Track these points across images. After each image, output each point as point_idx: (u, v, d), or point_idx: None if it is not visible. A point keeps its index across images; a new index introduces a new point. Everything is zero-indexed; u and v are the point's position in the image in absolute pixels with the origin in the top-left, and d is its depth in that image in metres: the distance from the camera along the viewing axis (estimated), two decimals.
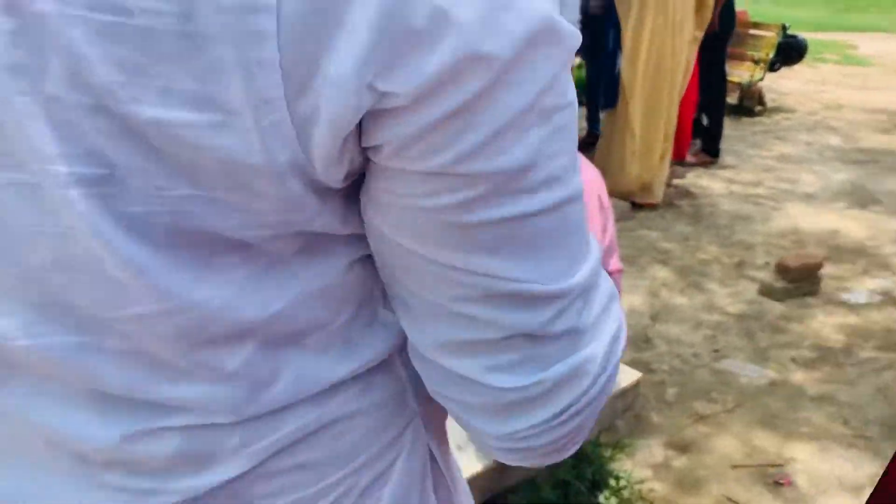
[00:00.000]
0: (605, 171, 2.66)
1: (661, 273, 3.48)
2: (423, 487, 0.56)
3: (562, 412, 0.46)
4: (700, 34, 4.05)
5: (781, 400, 2.54)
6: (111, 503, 0.46)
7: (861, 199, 4.50)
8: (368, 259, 0.48)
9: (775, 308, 3.16)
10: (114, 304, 0.41)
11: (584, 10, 4.57)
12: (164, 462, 0.46)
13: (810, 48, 7.04)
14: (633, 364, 2.59)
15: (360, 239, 0.46)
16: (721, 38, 4.64)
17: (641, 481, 2.11)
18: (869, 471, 2.19)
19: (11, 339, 0.42)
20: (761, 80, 6.31)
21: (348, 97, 0.35)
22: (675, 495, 2.09)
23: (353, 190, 0.44)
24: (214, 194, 0.38)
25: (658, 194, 4.23)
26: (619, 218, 3.54)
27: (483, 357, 0.44)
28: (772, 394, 2.57)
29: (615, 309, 0.48)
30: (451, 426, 0.58)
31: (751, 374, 2.69)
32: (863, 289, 3.37)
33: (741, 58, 6.20)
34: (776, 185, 4.76)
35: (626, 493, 2.05)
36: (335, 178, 0.40)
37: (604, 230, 1.87)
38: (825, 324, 3.06)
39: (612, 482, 2.07)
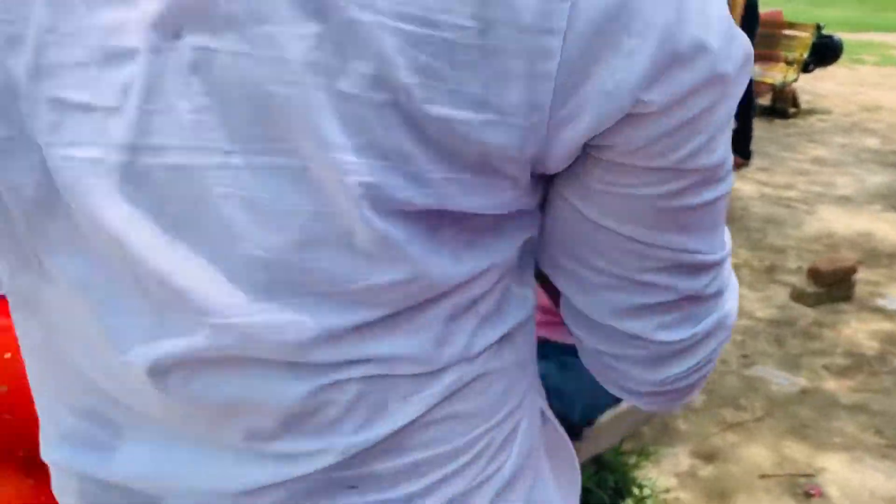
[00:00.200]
0: None
1: None
2: (537, 446, 0.62)
3: (704, 359, 0.58)
4: None
5: (812, 408, 2.49)
6: (272, 476, 0.50)
7: None
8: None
9: (807, 313, 3.10)
10: (350, 277, 0.45)
11: None
12: (340, 413, 0.49)
13: (847, 49, 6.89)
14: None
15: (534, 218, 0.53)
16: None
17: (666, 490, 2.08)
18: None
19: (235, 317, 0.45)
20: (795, 81, 6.20)
21: (617, 106, 0.42)
22: None
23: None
24: (463, 176, 0.44)
25: None
26: None
27: (656, 317, 0.54)
28: (802, 402, 2.52)
29: (731, 268, 0.59)
30: None
31: (781, 381, 2.64)
32: None
33: (774, 59, 6.10)
34: (809, 187, 4.67)
35: (649, 502, 2.02)
36: (555, 168, 0.47)
37: None
38: (859, 330, 2.99)
39: (636, 490, 2.03)
